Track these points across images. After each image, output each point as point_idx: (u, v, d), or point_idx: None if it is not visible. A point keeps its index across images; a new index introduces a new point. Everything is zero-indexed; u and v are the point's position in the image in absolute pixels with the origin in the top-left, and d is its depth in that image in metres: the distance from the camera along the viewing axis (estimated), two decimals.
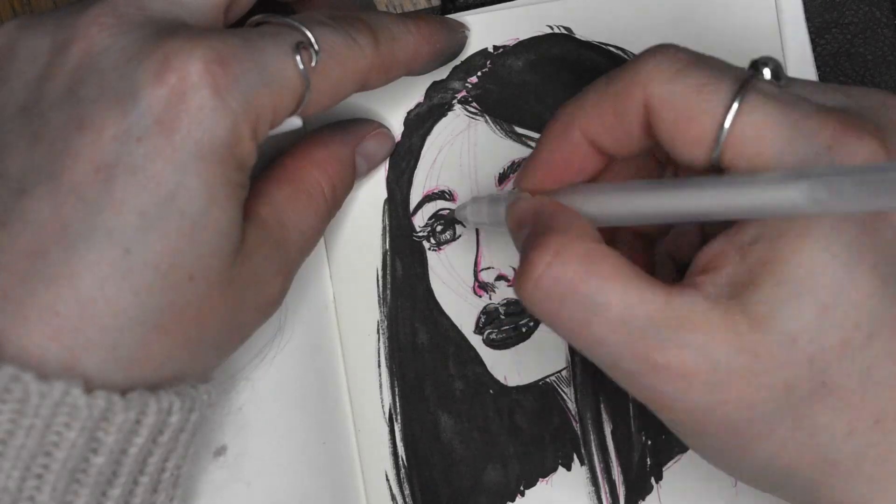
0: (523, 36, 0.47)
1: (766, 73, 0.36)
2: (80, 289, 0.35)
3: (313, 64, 0.39)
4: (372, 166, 0.48)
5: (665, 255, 0.42)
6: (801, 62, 0.47)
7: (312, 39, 0.39)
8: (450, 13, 0.48)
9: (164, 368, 0.37)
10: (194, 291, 0.37)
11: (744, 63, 0.36)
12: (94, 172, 0.35)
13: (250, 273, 0.39)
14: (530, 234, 0.37)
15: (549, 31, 0.47)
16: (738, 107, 0.34)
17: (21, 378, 0.35)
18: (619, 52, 0.47)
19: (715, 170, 0.35)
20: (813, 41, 0.47)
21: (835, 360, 0.34)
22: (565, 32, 0.47)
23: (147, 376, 0.37)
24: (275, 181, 0.42)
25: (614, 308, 0.35)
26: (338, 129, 0.46)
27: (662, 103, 0.35)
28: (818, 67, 0.47)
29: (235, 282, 0.38)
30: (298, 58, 0.38)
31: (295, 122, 0.40)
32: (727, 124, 0.34)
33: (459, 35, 0.47)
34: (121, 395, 0.36)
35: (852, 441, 0.34)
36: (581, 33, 0.47)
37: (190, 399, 0.39)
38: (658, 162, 0.41)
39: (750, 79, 0.35)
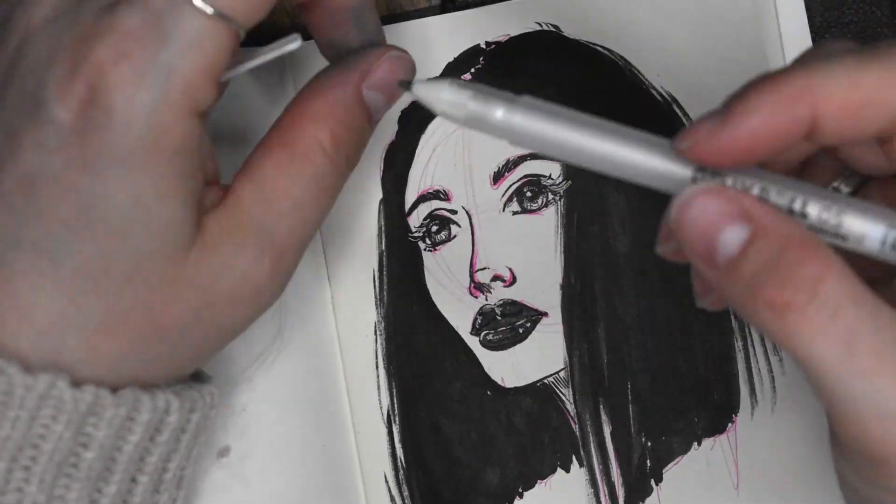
0: (514, 32, 0.47)
1: None
2: (17, 297, 0.35)
3: None
4: (392, 98, 0.41)
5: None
6: None
7: None
8: (449, 13, 0.48)
9: (122, 368, 0.37)
10: (136, 293, 0.36)
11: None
12: (16, 183, 0.35)
13: (219, 265, 0.37)
14: (768, 262, 0.32)
15: (538, 27, 0.48)
16: None
17: (5, 370, 0.35)
18: (606, 52, 0.47)
19: None
20: (813, 41, 0.47)
21: None
22: (553, 30, 0.47)
23: (101, 375, 0.36)
24: (264, 149, 0.39)
25: None
26: (338, 66, 0.41)
27: None
28: None
29: (195, 278, 0.37)
30: (199, 1, 0.34)
31: (289, 45, 0.37)
32: None
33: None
34: (110, 391, 0.36)
35: None
36: (569, 31, 0.47)
37: (190, 400, 0.39)
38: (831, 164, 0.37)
39: None
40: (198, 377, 0.41)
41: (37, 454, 0.36)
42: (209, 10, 0.34)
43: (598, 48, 0.47)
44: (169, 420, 0.38)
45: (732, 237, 0.32)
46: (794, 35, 0.47)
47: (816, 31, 0.47)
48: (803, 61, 0.33)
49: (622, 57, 0.47)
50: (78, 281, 0.35)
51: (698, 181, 0.33)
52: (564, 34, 0.47)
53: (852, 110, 0.32)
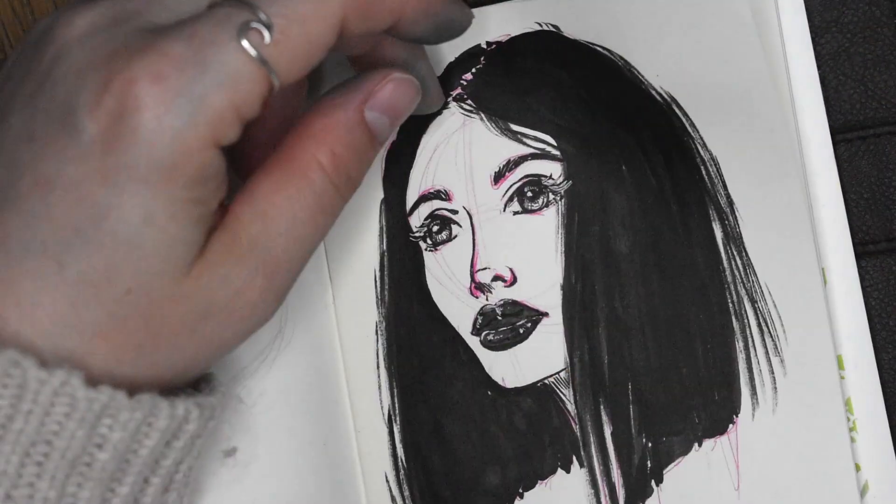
0: (514, 32, 0.47)
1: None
2: (19, 295, 0.36)
3: (267, 41, 0.36)
4: (396, 120, 0.42)
5: None
6: (801, 62, 0.47)
7: (261, 15, 0.36)
8: None
9: (117, 372, 0.37)
10: (135, 304, 0.37)
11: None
12: (34, 185, 0.36)
13: (216, 282, 0.38)
14: None
15: (537, 27, 0.48)
16: None
17: (21, 363, 0.35)
18: (606, 52, 0.47)
19: None
20: (813, 41, 0.47)
21: None
22: (553, 30, 0.47)
23: (120, 379, 0.37)
24: (264, 169, 0.40)
25: None
26: (341, 88, 0.42)
27: None
28: (818, 67, 0.47)
29: (193, 294, 0.37)
30: (246, 43, 0.36)
31: None
32: None
33: (460, 8, 0.42)
34: (127, 395, 0.36)
35: None
36: (568, 31, 0.47)
37: (210, 408, 0.39)
38: None
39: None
40: (207, 378, 0.42)
41: (49, 450, 0.36)
42: (253, 52, 0.36)
43: (598, 48, 0.47)
44: (187, 428, 0.38)
45: None
46: (794, 34, 0.47)
47: (816, 30, 0.47)
48: None
49: (621, 57, 0.47)
50: (80, 287, 0.36)
51: None
52: (564, 34, 0.47)
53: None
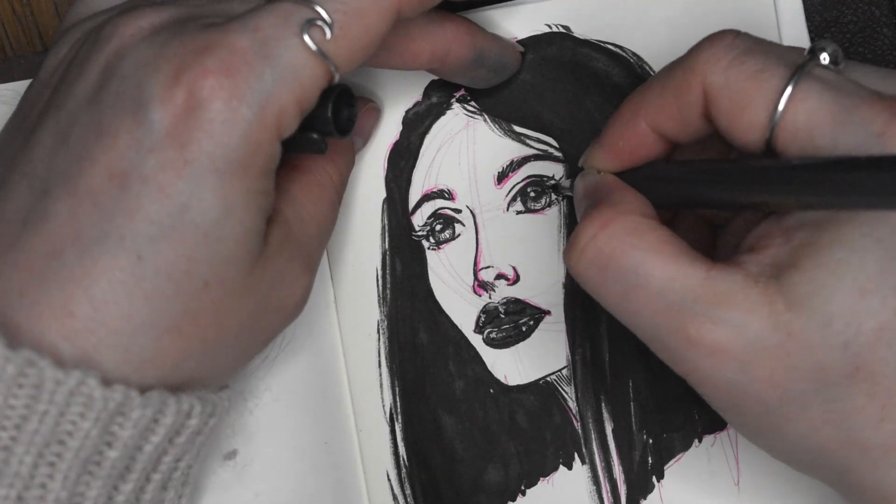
0: (522, 35, 0.47)
1: (824, 57, 0.36)
2: (92, 291, 0.36)
3: (328, 37, 0.37)
4: (366, 141, 0.48)
5: (730, 244, 0.42)
6: None
7: (322, 13, 0.36)
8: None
9: (182, 369, 0.37)
10: (210, 297, 0.37)
11: None
12: (108, 179, 0.35)
13: (274, 275, 0.39)
14: (587, 206, 0.39)
15: (547, 29, 0.48)
16: (791, 92, 0.35)
17: (37, 363, 0.35)
18: (618, 50, 0.47)
19: (770, 154, 0.36)
20: (812, 40, 0.47)
21: (870, 345, 0.34)
22: (563, 31, 0.48)
23: (163, 376, 0.37)
24: (290, 175, 0.41)
25: (653, 281, 0.36)
26: None
27: (719, 91, 0.36)
28: None
29: (257, 286, 0.38)
30: (308, 39, 0.36)
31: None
32: (780, 109, 0.35)
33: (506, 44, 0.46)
34: (139, 392, 0.36)
35: (884, 427, 0.35)
36: (579, 32, 0.47)
37: (211, 404, 0.39)
38: (725, 145, 0.41)
39: (805, 64, 0.35)
40: None
41: (63, 450, 0.36)
42: (313, 47, 0.36)
43: (609, 46, 0.47)
44: (190, 423, 0.38)
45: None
46: (794, 35, 0.47)
47: (816, 30, 0.47)
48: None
49: (634, 53, 0.47)
50: (159, 281, 0.36)
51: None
52: (575, 34, 0.48)
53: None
